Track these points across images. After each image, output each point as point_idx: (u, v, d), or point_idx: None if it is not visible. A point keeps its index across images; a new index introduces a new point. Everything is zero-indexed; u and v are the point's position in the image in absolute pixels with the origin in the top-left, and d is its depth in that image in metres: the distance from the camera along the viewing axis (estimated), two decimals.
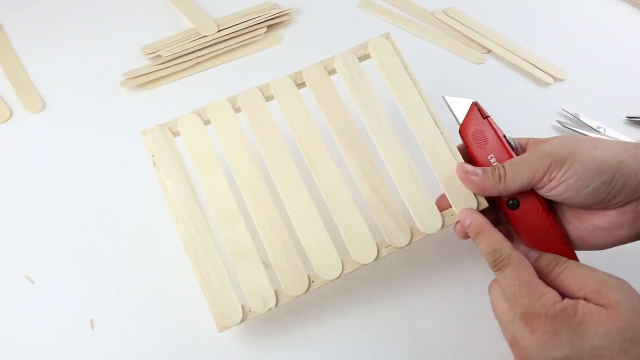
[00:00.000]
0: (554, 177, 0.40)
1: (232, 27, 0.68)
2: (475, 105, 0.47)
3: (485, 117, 0.46)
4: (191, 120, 0.48)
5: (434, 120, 0.47)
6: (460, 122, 0.46)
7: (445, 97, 0.48)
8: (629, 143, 0.40)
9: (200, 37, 0.66)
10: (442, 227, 0.45)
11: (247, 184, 0.46)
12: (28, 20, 0.70)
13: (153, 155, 0.47)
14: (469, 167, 0.44)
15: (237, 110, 0.49)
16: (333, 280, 0.43)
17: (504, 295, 0.38)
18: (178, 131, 0.47)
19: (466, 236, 0.44)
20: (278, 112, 0.48)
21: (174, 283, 0.48)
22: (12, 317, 0.46)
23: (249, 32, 0.68)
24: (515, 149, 0.45)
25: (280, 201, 0.45)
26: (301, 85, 0.50)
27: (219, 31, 0.67)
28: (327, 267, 0.43)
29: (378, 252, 0.44)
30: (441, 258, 0.50)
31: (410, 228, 0.45)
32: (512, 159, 0.43)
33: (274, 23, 0.69)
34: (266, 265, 0.44)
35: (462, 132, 0.46)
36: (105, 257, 0.49)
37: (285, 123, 0.47)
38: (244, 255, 0.44)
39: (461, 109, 0.47)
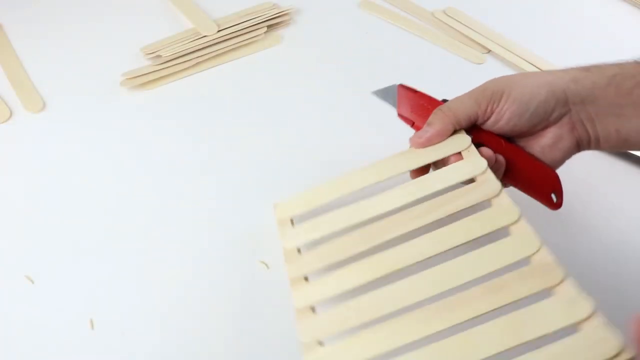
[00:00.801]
0: (496, 108, 0.43)
1: (232, 27, 0.68)
2: (401, 87, 0.48)
3: (415, 92, 0.47)
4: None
5: None
6: (394, 107, 0.48)
7: (374, 92, 0.49)
8: (555, 70, 0.45)
9: (200, 37, 0.66)
10: None
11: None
12: (28, 20, 0.70)
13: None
14: (418, 132, 0.45)
15: None
16: None
17: None
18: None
19: None
20: None
21: (174, 283, 0.48)
22: (12, 317, 0.46)
23: (249, 32, 0.68)
24: None
25: None
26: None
27: (219, 31, 0.67)
28: None
29: None
30: None
31: None
32: (454, 98, 0.45)
33: (274, 23, 0.69)
34: None
35: (402, 115, 0.47)
36: (105, 257, 0.49)
37: None
38: None
39: (392, 96, 0.48)
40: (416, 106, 0.47)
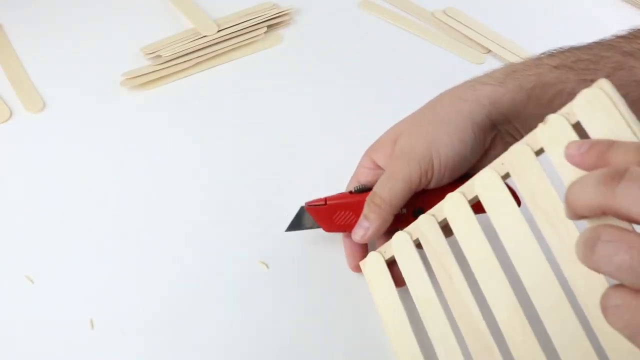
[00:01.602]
0: (434, 173, 0.41)
1: (232, 27, 0.68)
2: (308, 207, 0.45)
3: (324, 202, 0.44)
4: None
5: None
6: (319, 227, 0.45)
7: (287, 230, 0.47)
8: (464, 92, 0.43)
9: (200, 37, 0.66)
10: None
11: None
12: (28, 20, 0.70)
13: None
14: (356, 228, 0.43)
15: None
16: None
17: None
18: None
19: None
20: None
21: (174, 283, 0.48)
22: (12, 317, 0.46)
23: (249, 32, 0.68)
24: (369, 189, 0.43)
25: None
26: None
27: (219, 31, 0.67)
28: None
29: None
30: None
31: None
32: (379, 182, 0.42)
33: (274, 23, 0.69)
34: None
35: (330, 229, 0.45)
36: (105, 257, 0.49)
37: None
38: None
39: (307, 219, 0.46)
40: (336, 218, 0.44)
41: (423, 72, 0.66)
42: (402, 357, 0.41)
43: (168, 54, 0.64)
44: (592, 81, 0.34)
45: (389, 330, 0.42)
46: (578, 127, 0.32)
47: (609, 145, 0.27)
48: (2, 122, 0.59)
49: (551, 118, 0.33)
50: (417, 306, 0.41)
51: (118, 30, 0.69)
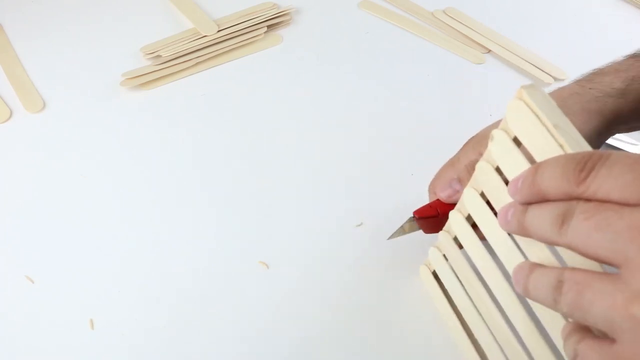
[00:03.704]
0: None
1: (232, 27, 0.68)
2: (419, 220, 0.44)
3: (436, 215, 0.43)
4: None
5: None
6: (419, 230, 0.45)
7: (390, 239, 0.46)
8: (590, 106, 0.42)
9: (200, 37, 0.66)
10: None
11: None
12: (28, 20, 0.70)
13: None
14: (441, 190, 0.43)
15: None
16: None
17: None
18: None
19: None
20: None
21: (174, 283, 0.48)
22: (12, 317, 0.46)
23: (249, 32, 0.68)
24: None
25: None
26: None
27: (219, 31, 0.67)
28: None
29: None
30: None
31: None
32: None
33: (274, 23, 0.69)
34: None
35: (428, 232, 0.45)
36: (106, 256, 0.49)
37: None
38: None
39: (409, 227, 0.45)
40: (441, 222, 0.43)
41: (423, 72, 0.66)
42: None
43: (168, 54, 0.64)
44: None
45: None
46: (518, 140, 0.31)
47: (534, 171, 0.28)
48: (2, 122, 0.59)
49: (495, 134, 0.33)
50: (464, 315, 0.42)
51: (118, 30, 0.69)
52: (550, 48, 0.68)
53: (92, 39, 0.68)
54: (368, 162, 0.56)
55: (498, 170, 0.34)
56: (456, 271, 0.42)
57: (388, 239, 0.46)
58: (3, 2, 0.71)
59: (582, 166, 0.25)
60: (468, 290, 0.41)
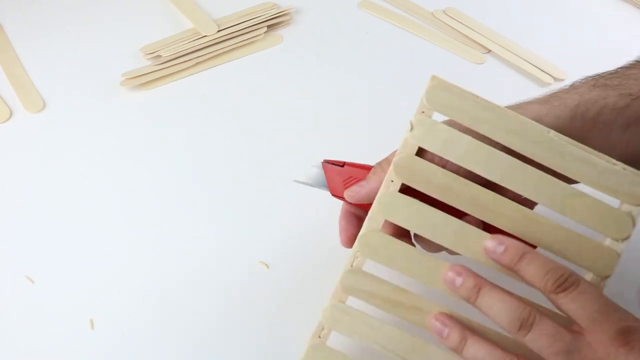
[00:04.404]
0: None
1: (232, 27, 0.68)
2: (326, 164, 0.44)
3: (342, 165, 0.43)
4: None
5: None
6: (326, 189, 0.44)
7: (297, 180, 0.45)
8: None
9: (200, 37, 0.66)
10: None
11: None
12: (28, 20, 0.70)
13: None
14: (353, 186, 0.42)
15: None
16: None
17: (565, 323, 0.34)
18: None
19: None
20: None
21: (174, 283, 0.48)
22: (12, 317, 0.46)
23: (249, 32, 0.68)
24: None
25: None
26: None
27: (219, 31, 0.67)
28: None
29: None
30: None
31: None
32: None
33: (274, 23, 0.69)
34: None
35: (335, 193, 0.43)
36: (105, 256, 0.49)
37: None
38: None
39: (319, 177, 0.44)
40: (347, 181, 0.43)
41: (423, 72, 0.66)
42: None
43: (168, 54, 0.64)
44: (630, 95, 0.39)
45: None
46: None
47: (521, 255, 0.34)
48: (2, 122, 0.59)
49: (415, 120, 0.38)
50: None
51: (118, 30, 0.69)
52: (550, 48, 0.68)
53: (92, 39, 0.68)
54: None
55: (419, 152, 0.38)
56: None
57: (294, 180, 0.45)
58: (3, 2, 0.71)
59: (562, 281, 0.33)
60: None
